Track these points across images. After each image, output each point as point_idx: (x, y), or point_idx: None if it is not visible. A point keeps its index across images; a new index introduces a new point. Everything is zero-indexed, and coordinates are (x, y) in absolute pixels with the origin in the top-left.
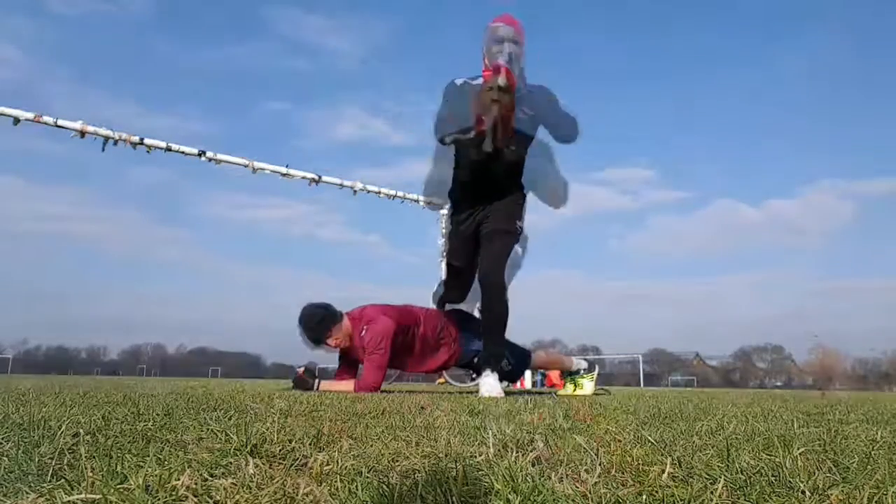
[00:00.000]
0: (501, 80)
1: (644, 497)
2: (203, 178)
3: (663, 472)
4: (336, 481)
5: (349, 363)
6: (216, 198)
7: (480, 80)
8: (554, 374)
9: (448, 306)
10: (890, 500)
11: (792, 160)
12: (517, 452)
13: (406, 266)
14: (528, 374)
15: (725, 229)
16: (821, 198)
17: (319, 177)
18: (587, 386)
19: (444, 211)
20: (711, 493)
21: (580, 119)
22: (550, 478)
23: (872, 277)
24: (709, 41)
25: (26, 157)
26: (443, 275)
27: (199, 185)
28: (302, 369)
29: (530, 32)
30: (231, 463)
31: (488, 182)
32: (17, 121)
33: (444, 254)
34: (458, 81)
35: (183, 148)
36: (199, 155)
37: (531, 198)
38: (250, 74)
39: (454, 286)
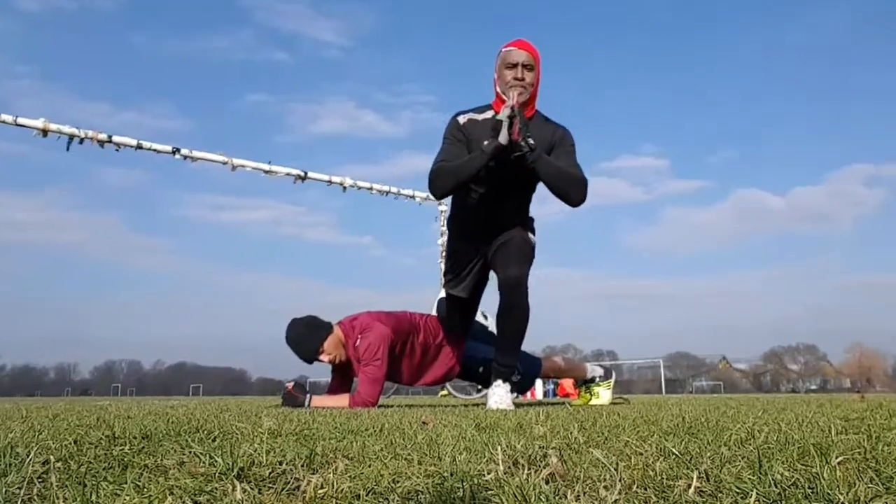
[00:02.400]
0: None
1: None
2: (179, 180)
3: (689, 486)
4: None
5: (343, 376)
6: (194, 200)
7: (489, 114)
8: (567, 383)
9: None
10: None
11: (814, 146)
12: (529, 469)
13: (403, 268)
14: (539, 383)
15: (748, 220)
16: (848, 184)
17: (305, 173)
18: (603, 395)
19: (443, 208)
20: None
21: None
22: (566, 496)
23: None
24: (719, 19)
25: None
26: (443, 277)
27: (175, 188)
28: (291, 384)
29: (537, 37)
30: (217, 488)
31: (494, 221)
32: None
33: (444, 283)
34: (462, 119)
35: (155, 145)
36: (173, 153)
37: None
38: (226, 67)
39: (456, 317)
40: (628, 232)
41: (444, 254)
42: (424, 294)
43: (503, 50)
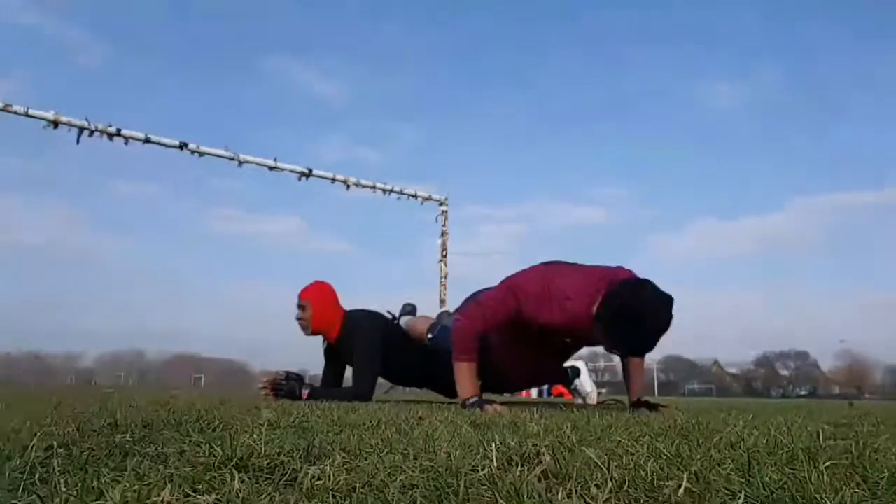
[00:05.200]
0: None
1: None
2: (192, 195)
3: (679, 487)
4: (328, 497)
5: (336, 366)
6: (203, 213)
7: None
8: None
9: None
10: None
11: (767, 177)
12: (522, 466)
13: (402, 271)
14: None
15: (717, 242)
16: (802, 212)
17: (310, 170)
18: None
19: (444, 207)
20: None
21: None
22: (558, 493)
23: (867, 285)
24: (679, 57)
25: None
26: (442, 283)
27: (187, 201)
28: (283, 374)
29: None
30: (215, 477)
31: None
32: None
33: None
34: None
35: (163, 139)
36: (181, 147)
37: None
38: (238, 107)
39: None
40: (614, 250)
41: (444, 252)
42: (425, 293)
43: None
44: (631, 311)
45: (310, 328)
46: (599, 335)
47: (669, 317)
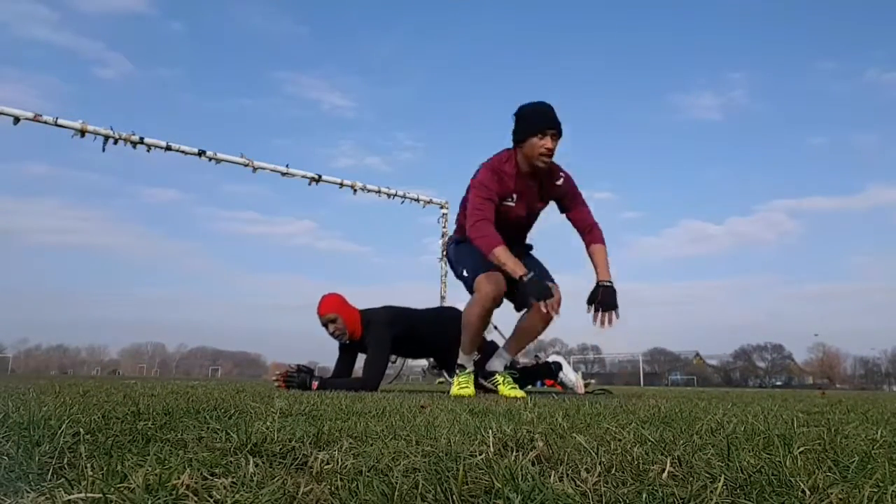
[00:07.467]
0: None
1: (644, 496)
2: (210, 199)
3: (663, 470)
4: (336, 480)
5: (349, 360)
6: (222, 216)
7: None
8: None
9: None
10: (889, 499)
11: (740, 183)
12: (517, 452)
13: (404, 270)
14: None
15: (697, 243)
16: (774, 215)
17: (319, 176)
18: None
19: (445, 210)
20: (711, 491)
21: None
22: (551, 477)
23: (836, 282)
24: (655, 70)
25: (64, 181)
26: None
27: (207, 206)
28: (295, 366)
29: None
30: (231, 462)
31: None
32: (17, 120)
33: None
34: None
35: (183, 147)
36: (199, 154)
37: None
38: (254, 120)
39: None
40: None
41: (444, 252)
42: (427, 289)
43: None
44: (520, 111)
45: (346, 334)
46: (519, 151)
47: (547, 104)
